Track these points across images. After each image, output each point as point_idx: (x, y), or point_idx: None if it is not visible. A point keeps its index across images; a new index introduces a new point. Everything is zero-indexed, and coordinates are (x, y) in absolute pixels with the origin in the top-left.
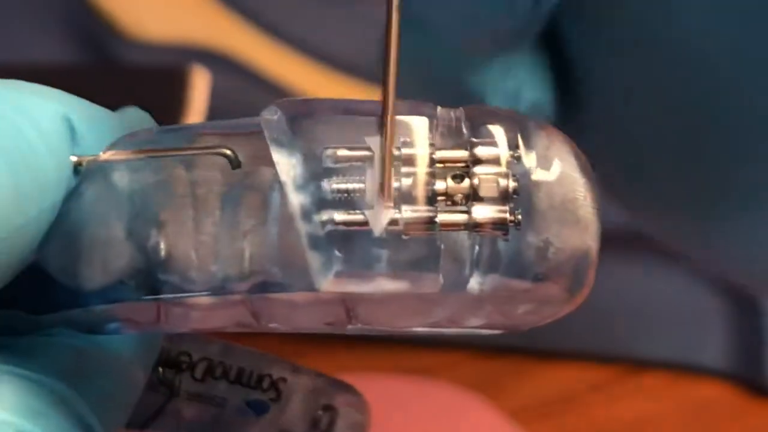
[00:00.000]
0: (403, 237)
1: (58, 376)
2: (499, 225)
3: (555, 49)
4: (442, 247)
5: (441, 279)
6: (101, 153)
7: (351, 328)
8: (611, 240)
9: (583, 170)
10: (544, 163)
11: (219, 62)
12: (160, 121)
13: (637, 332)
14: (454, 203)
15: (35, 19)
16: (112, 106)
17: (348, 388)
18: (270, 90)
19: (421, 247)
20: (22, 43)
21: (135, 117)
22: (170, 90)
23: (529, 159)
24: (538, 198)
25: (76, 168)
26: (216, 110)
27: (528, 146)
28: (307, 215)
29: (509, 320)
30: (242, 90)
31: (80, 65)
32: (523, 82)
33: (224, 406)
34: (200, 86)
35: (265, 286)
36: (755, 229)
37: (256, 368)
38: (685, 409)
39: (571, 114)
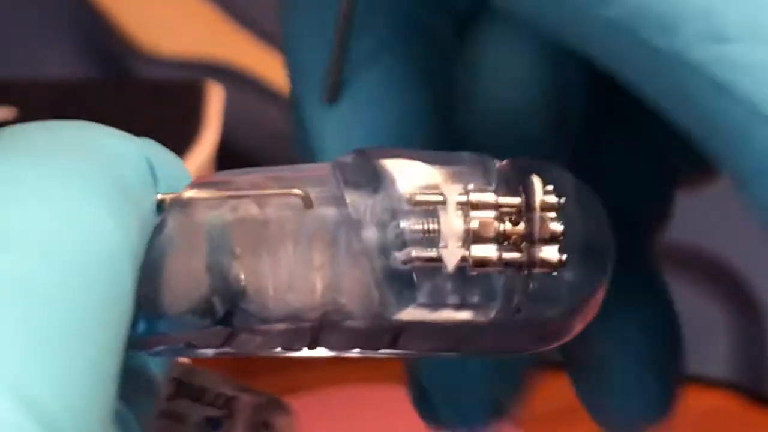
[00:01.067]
0: (469, 273)
1: (119, 395)
2: (551, 264)
3: None
4: (501, 282)
5: (494, 311)
6: (183, 192)
7: (381, 353)
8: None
9: (603, 211)
10: (576, 208)
11: (233, 77)
12: (176, 134)
13: None
14: (513, 244)
15: (55, 37)
16: (129, 118)
17: (284, 407)
18: (282, 105)
19: (484, 282)
20: (42, 59)
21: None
22: (185, 104)
23: (567, 204)
24: (573, 239)
25: (159, 205)
26: (229, 124)
27: (564, 193)
28: (384, 252)
29: (520, 347)
30: (255, 105)
31: (99, 80)
32: None
33: (186, 422)
34: (214, 101)
35: (334, 316)
36: None
37: (213, 387)
38: (690, 419)
39: None
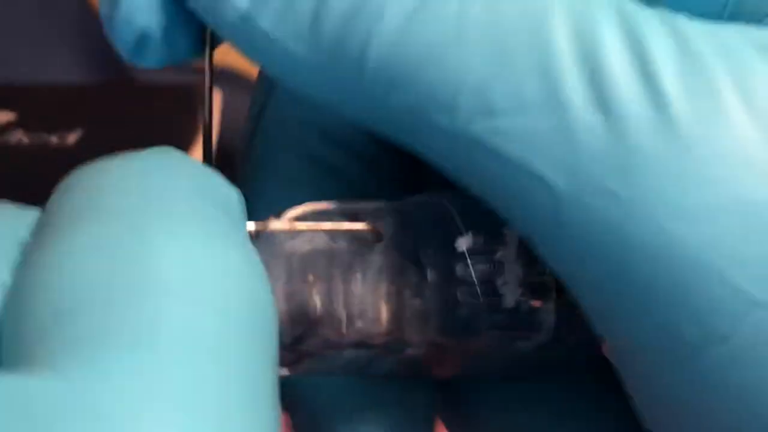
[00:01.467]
0: (523, 309)
1: None
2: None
3: None
4: (548, 317)
5: (538, 341)
6: (267, 223)
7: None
8: None
9: None
10: None
11: (231, 81)
12: (174, 137)
13: None
14: (553, 286)
15: (56, 41)
16: (130, 121)
17: None
18: None
19: (533, 317)
20: (43, 63)
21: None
22: (183, 107)
23: None
24: None
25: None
26: (227, 127)
27: None
28: (449, 286)
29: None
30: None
31: (99, 84)
32: None
33: None
34: (213, 103)
35: (396, 343)
36: None
37: None
38: None
39: None
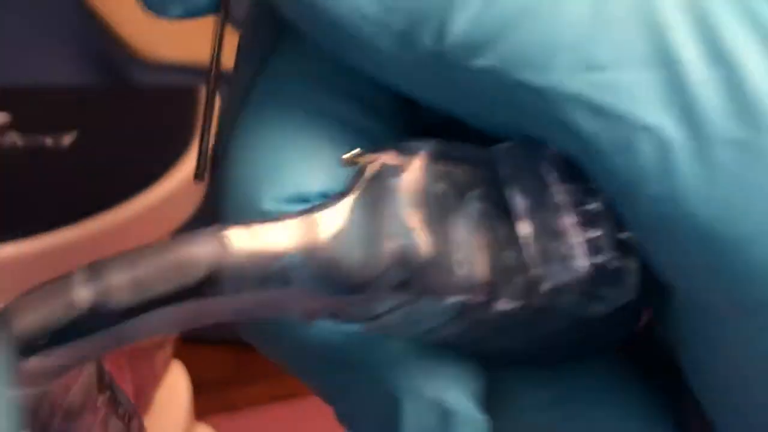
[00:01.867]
0: (607, 265)
1: None
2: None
3: None
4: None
5: (614, 302)
6: (377, 156)
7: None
8: None
9: None
10: None
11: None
12: (171, 140)
13: None
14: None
15: (54, 43)
16: (126, 123)
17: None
18: None
19: (617, 274)
20: (40, 65)
21: None
22: (180, 110)
23: None
24: None
25: (349, 165)
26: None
27: None
28: (542, 237)
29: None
30: None
31: (95, 86)
32: None
33: None
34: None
35: (494, 294)
36: None
37: (124, 402)
38: None
39: None
